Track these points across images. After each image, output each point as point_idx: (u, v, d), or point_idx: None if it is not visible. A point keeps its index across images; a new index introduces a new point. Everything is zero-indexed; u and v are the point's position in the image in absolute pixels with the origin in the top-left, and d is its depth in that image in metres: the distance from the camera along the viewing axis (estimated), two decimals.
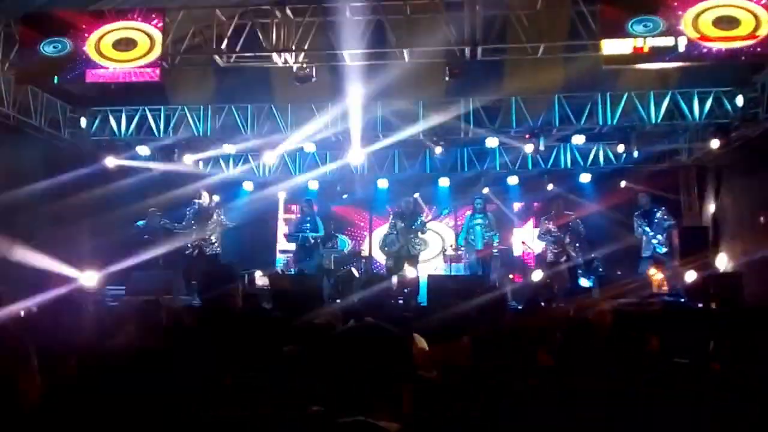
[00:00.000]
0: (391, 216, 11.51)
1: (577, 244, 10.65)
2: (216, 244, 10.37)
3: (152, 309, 4.74)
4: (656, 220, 10.50)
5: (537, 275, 10.72)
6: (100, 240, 10.59)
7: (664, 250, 10.52)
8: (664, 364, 2.96)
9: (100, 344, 3.32)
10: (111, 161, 11.88)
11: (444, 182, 13.29)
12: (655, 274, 10.64)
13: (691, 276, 8.76)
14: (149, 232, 10.56)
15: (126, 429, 2.07)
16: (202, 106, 11.81)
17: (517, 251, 13.35)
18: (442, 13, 9.17)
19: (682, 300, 8.68)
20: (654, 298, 8.28)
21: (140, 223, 10.57)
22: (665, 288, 11.12)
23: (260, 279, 10.76)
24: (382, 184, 13.40)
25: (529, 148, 11.84)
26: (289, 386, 2.74)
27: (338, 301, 9.22)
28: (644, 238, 10.54)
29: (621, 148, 11.79)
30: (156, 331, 4.17)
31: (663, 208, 10.72)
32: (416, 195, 12.47)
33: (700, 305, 7.89)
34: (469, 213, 11.86)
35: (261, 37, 9.25)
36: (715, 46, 8.01)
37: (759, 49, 7.92)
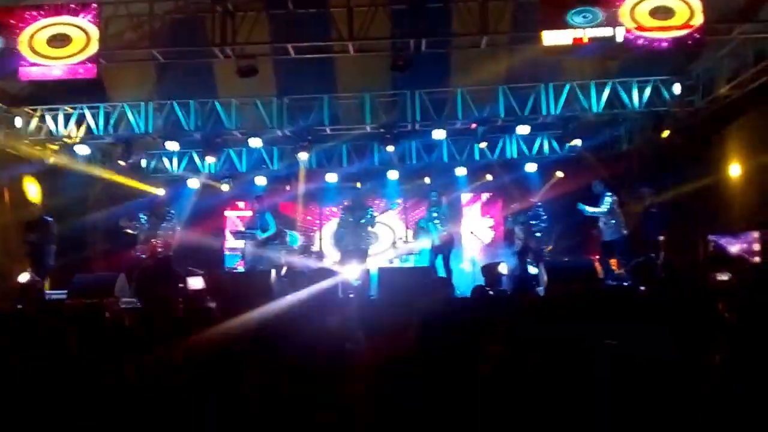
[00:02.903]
0: (341, 210, 11.46)
1: (538, 231, 10.74)
2: (169, 247, 10.12)
3: (95, 312, 4.62)
4: (603, 205, 10.51)
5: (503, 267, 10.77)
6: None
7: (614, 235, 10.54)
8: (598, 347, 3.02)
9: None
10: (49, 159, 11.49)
11: (393, 175, 13.31)
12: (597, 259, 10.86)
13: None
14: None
15: None
16: (143, 104, 11.50)
17: (466, 241, 13.47)
18: (386, 5, 9.15)
19: (625, 284, 8.88)
20: (599, 284, 8.46)
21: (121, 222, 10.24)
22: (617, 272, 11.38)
23: (193, 279, 10.44)
24: (331, 178, 13.34)
25: (483, 144, 12.03)
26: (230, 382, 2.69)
27: (288, 297, 9.16)
28: (601, 223, 10.56)
29: (575, 142, 11.92)
30: (98, 333, 4.06)
31: (610, 192, 10.67)
32: (357, 184, 12.45)
33: (642, 288, 8.09)
34: (425, 206, 11.90)
35: (201, 31, 9.07)
36: (652, 35, 8.22)
37: (693, 38, 8.16)
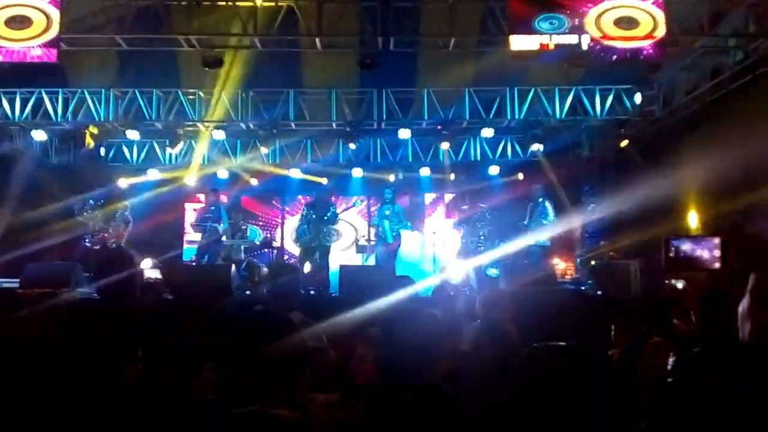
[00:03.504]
0: (303, 207, 11.41)
1: (486, 234, 10.84)
2: (121, 239, 9.93)
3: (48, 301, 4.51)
4: (539, 212, 10.65)
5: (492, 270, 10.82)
6: None
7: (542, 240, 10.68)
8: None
9: None
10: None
11: (357, 173, 13.30)
12: (558, 264, 11.07)
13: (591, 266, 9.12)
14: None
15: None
16: (103, 90, 11.25)
17: (429, 242, 13.49)
18: (355, 2, 9.13)
19: (583, 288, 9.05)
20: (557, 287, 8.57)
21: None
22: (568, 277, 11.60)
23: (149, 270, 10.22)
24: (295, 173, 13.25)
25: (445, 145, 12.08)
26: (189, 377, 2.66)
27: (247, 292, 9.08)
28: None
29: (536, 146, 12.05)
30: (52, 323, 3.96)
31: (549, 202, 10.81)
32: (324, 180, 12.44)
33: (600, 293, 8.25)
34: (378, 205, 11.90)
35: (167, 19, 8.92)
36: (616, 45, 8.38)
37: (655, 49, 8.34)
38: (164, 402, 2.51)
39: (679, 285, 7.50)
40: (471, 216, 10.82)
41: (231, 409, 1.78)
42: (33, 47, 8.28)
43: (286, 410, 1.76)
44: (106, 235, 9.61)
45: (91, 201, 10.05)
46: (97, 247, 9.43)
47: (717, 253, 5.51)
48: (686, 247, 5.99)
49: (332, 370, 3.55)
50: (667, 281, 7.33)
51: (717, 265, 5.23)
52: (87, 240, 9.62)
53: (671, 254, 6.09)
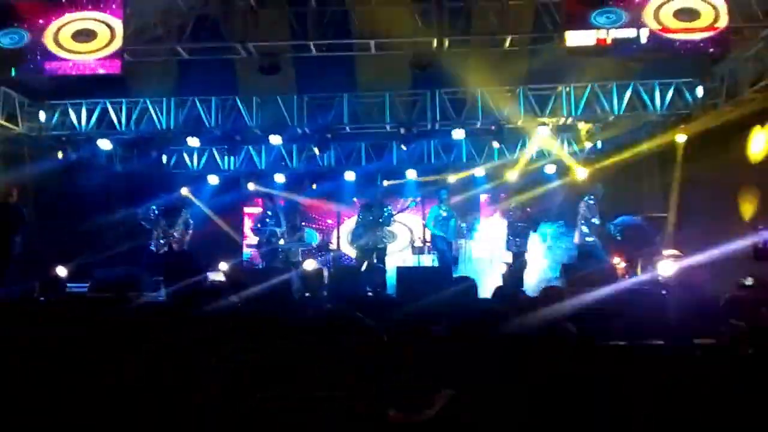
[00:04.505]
0: (359, 209, 11.48)
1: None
2: (183, 243, 10.19)
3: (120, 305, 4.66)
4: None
5: (502, 267, 10.76)
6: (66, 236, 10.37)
7: (592, 239, 10.52)
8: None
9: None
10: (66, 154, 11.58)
11: (411, 174, 13.31)
12: (619, 263, 10.80)
13: (666, 267, 8.80)
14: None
15: None
16: (164, 99, 11.59)
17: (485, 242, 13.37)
18: (408, 4, 9.15)
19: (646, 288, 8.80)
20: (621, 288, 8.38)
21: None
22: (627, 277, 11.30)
23: (214, 273, 10.42)
24: (349, 176, 13.36)
25: (496, 144, 11.99)
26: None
27: (307, 294, 9.19)
28: (581, 224, 10.49)
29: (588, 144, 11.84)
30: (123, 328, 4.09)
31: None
32: (386, 182, 12.50)
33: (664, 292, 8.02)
34: (434, 205, 11.83)
35: (224, 27, 9.12)
36: (676, 37, 8.15)
37: (718, 40, 8.08)
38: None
39: (748, 282, 7.24)
40: (531, 214, 10.70)
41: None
42: (99, 59, 8.59)
43: None
44: (170, 239, 9.87)
45: (154, 207, 10.34)
46: (163, 252, 9.69)
47: None
48: None
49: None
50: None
51: None
52: (153, 245, 9.90)
53: (760, 245, 5.87)
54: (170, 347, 3.08)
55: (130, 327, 4.17)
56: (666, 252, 10.14)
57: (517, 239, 10.47)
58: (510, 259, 10.54)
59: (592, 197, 10.40)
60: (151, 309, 5.78)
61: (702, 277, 7.90)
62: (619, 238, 10.27)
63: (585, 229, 10.26)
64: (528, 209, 10.81)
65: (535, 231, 10.78)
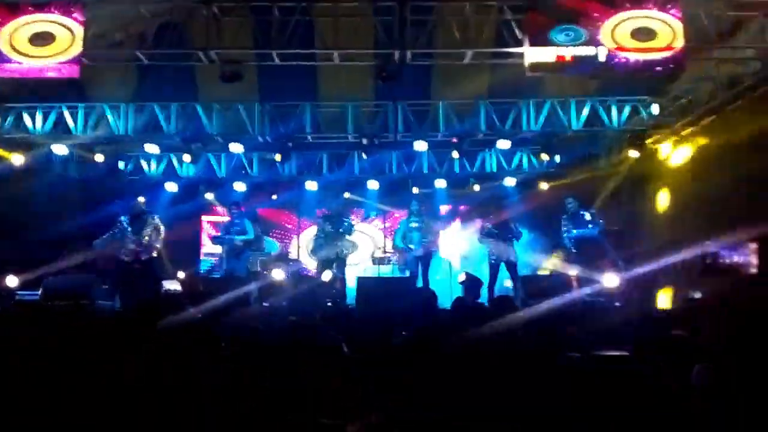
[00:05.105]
0: (319, 219, 11.45)
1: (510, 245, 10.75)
2: (153, 250, 9.95)
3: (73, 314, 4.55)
4: (584, 222, 10.63)
5: (461, 277, 10.81)
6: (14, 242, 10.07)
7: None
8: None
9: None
10: (18, 159, 11.28)
11: (373, 185, 13.34)
12: (574, 275, 10.97)
13: (611, 279, 9.00)
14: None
15: None
16: (122, 104, 11.39)
17: (444, 252, 13.46)
18: (371, 16, 9.19)
19: (601, 300, 8.98)
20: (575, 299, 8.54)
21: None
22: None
23: (170, 283, 10.19)
24: (311, 186, 13.32)
25: (455, 154, 12.09)
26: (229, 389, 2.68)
27: (265, 303, 9.11)
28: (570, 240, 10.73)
29: (544, 156, 12.18)
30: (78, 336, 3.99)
31: (591, 210, 10.82)
32: (347, 194, 12.48)
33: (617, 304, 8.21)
34: (404, 218, 11.86)
35: (186, 35, 9.03)
36: (633, 56, 8.35)
37: (674, 61, 8.31)
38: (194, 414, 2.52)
39: (697, 295, 7.43)
40: (499, 226, 10.74)
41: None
42: (57, 63, 8.40)
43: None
44: (137, 247, 9.59)
45: (123, 218, 10.04)
46: (128, 259, 9.41)
47: (753, 258, 5.47)
48: (721, 252, 5.95)
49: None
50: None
51: (753, 269, 5.18)
52: (122, 253, 9.59)
53: (707, 261, 6.05)
54: (123, 359, 3.03)
55: (81, 336, 4.08)
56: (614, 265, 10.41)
57: (494, 255, 10.50)
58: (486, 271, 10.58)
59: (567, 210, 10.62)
60: (103, 318, 5.68)
61: (646, 289, 8.10)
62: (574, 251, 10.42)
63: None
64: (509, 221, 10.82)
65: (518, 240, 10.77)
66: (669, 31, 8.28)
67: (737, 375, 2.28)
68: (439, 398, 2.26)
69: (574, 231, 10.36)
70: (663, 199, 11.77)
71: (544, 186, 13.10)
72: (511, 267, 10.34)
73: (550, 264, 11.16)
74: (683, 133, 11.00)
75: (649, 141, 11.49)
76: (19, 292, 9.10)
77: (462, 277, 10.58)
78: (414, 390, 2.42)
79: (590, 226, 10.40)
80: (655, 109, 11.13)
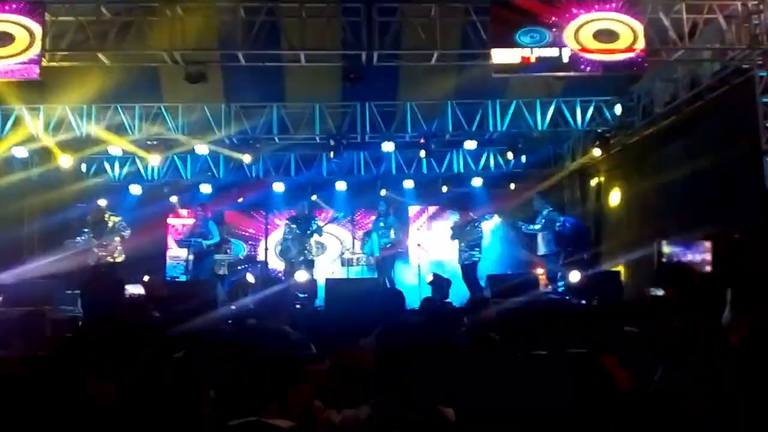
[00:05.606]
0: (286, 221, 11.39)
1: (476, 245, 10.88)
2: (116, 253, 9.78)
3: (35, 320, 4.47)
4: (543, 220, 11.04)
5: (429, 277, 10.88)
6: None
7: (547, 249, 11.06)
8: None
9: None
10: None
11: (341, 186, 13.31)
12: (541, 273, 11.14)
13: (574, 275, 9.19)
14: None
15: None
16: (85, 106, 11.18)
17: (413, 253, 13.51)
18: (338, 17, 9.17)
19: (567, 297, 9.12)
20: (541, 297, 8.66)
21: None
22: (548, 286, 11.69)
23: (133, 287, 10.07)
24: (278, 187, 13.24)
25: (423, 153, 12.14)
26: (181, 391, 2.64)
27: (233, 306, 9.02)
28: (536, 236, 11.13)
29: (510, 155, 12.36)
30: (40, 342, 3.92)
31: (550, 208, 11.26)
32: (314, 197, 12.44)
33: (583, 302, 8.31)
34: (374, 217, 11.97)
35: (149, 34, 8.90)
36: (596, 57, 8.48)
37: (636, 62, 8.46)
38: (159, 419, 2.49)
39: (659, 292, 7.57)
40: (463, 225, 10.84)
41: (227, 421, 1.79)
42: (16, 64, 8.22)
43: (285, 420, 1.77)
44: (101, 251, 9.43)
45: (85, 230, 9.85)
46: (92, 263, 9.26)
47: (707, 256, 5.57)
48: (677, 250, 6.05)
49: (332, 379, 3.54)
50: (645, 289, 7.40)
51: (708, 268, 5.28)
52: (88, 256, 9.44)
53: (663, 259, 6.15)
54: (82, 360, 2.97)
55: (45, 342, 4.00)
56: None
57: (466, 252, 10.62)
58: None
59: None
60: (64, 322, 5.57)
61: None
62: (564, 233, 10.81)
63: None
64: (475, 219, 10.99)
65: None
66: (630, 33, 8.43)
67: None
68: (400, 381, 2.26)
69: (531, 227, 11.08)
70: (617, 198, 12.12)
71: (512, 186, 13.25)
72: (471, 267, 10.48)
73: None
74: (643, 132, 11.22)
75: (611, 140, 11.70)
76: None
77: (430, 278, 10.67)
78: (388, 386, 2.42)
79: (537, 226, 11.07)
80: (618, 109, 11.34)
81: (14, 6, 8.33)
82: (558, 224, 11.11)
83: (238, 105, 11.46)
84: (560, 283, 10.11)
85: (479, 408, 2.75)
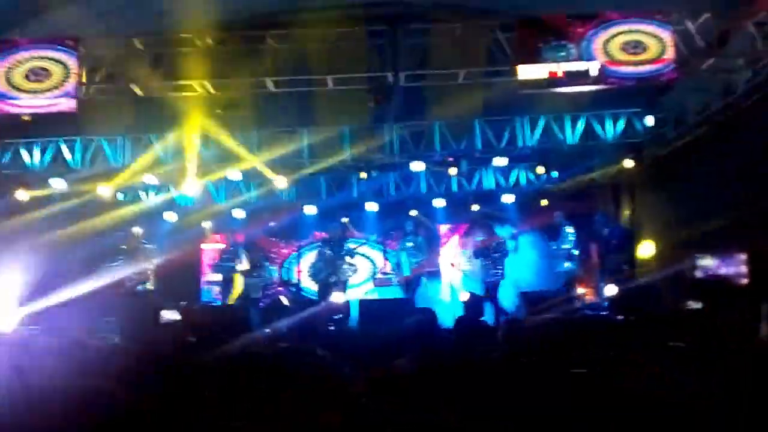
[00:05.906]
0: (319, 243, 11.46)
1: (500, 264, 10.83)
2: (147, 280, 9.94)
3: (80, 349, 4.53)
4: (563, 236, 10.91)
5: (464, 296, 10.83)
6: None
7: (568, 264, 10.89)
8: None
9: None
10: (22, 194, 11.31)
11: (371, 207, 13.34)
12: (582, 290, 11.02)
13: (611, 289, 9.05)
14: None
15: None
16: (119, 137, 11.45)
17: (444, 271, 13.43)
18: (364, 40, 9.28)
19: (604, 313, 8.96)
20: (576, 313, 8.55)
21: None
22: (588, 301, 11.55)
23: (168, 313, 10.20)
24: (310, 210, 13.32)
25: (453, 171, 12.13)
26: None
27: (266, 330, 9.07)
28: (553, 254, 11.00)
29: (540, 170, 12.26)
30: (88, 370, 3.97)
31: (570, 224, 11.07)
32: (345, 219, 12.49)
33: (620, 317, 8.16)
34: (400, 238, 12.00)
35: (181, 65, 9.11)
36: (625, 69, 8.42)
37: (665, 72, 8.38)
38: None
39: (697, 305, 7.41)
40: (489, 245, 10.80)
41: None
42: (53, 97, 8.48)
43: None
44: (135, 278, 9.56)
45: (120, 256, 10.00)
46: (128, 291, 9.42)
47: (743, 269, 5.43)
48: (712, 264, 5.93)
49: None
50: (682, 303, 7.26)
51: (744, 281, 5.15)
52: (125, 281, 9.61)
53: (698, 272, 6.04)
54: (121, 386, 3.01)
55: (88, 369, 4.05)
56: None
57: (489, 270, 10.61)
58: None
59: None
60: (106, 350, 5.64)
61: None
62: (611, 239, 10.69)
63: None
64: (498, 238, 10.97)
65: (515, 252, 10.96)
66: (659, 44, 8.36)
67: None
68: (438, 401, 2.24)
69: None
70: (650, 210, 11.93)
71: (544, 202, 13.12)
72: (494, 286, 10.44)
73: None
74: (676, 143, 11.06)
75: (643, 152, 11.55)
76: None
77: (464, 296, 10.62)
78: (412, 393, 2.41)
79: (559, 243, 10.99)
80: (649, 120, 11.19)
81: (49, 42, 8.62)
82: (606, 231, 10.98)
83: (268, 130, 11.60)
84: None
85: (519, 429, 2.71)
